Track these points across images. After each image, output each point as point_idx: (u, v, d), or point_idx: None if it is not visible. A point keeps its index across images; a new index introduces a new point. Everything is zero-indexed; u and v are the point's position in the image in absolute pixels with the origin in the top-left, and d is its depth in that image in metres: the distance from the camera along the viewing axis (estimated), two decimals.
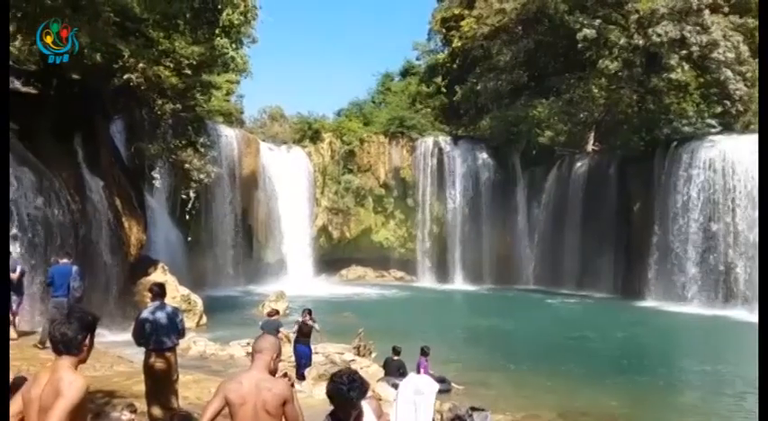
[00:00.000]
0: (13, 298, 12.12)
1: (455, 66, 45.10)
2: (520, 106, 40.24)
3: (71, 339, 3.23)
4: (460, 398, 14.18)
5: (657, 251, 33.48)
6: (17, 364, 10.78)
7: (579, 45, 36.53)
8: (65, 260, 12.74)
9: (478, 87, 41.61)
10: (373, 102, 49.26)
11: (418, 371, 14.97)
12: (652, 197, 34.20)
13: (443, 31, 46.32)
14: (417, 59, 50.96)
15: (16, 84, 19.96)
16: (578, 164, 39.40)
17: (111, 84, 19.98)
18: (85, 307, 13.37)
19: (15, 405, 3.22)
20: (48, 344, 10.32)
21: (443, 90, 45.93)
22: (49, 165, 17.76)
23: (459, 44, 43.78)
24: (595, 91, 37.94)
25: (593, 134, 41.86)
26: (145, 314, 8.23)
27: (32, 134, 17.58)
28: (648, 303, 32.24)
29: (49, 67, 19.39)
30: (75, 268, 12.44)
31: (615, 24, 36.29)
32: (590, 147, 41.54)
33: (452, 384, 15.30)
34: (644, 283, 33.82)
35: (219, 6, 22.62)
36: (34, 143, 17.71)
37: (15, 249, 15.23)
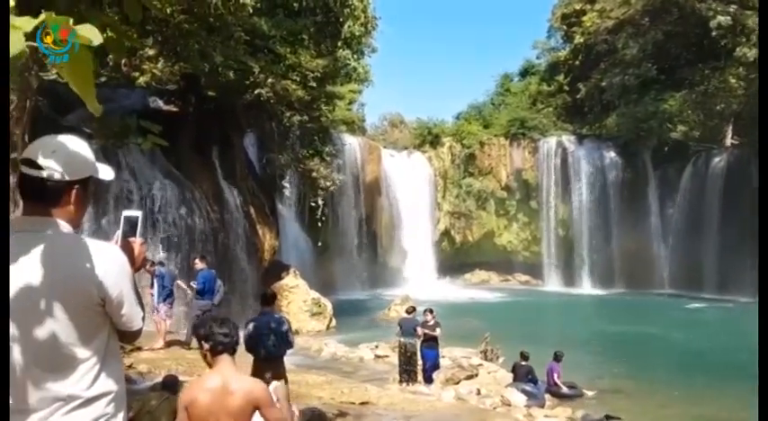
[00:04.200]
0: (164, 305, 12.95)
1: (577, 62, 43.79)
2: (649, 101, 38.41)
3: (231, 339, 3.45)
4: (593, 405, 13.78)
5: None
6: (167, 364, 11.67)
7: (713, 33, 34.51)
8: (201, 264, 13.34)
9: (603, 83, 40.18)
10: (492, 103, 48.77)
11: (549, 377, 14.75)
12: None
13: (564, 27, 45.12)
14: (537, 58, 49.98)
15: (159, 102, 21.62)
16: (716, 159, 36.96)
17: (243, 99, 21.11)
18: (223, 310, 14.24)
19: (183, 416, 3.41)
20: (193, 344, 11.08)
21: (566, 88, 44.71)
22: (190, 177, 19.10)
23: (582, 40, 42.48)
24: (733, 81, 35.59)
25: (731, 127, 39.13)
26: (253, 321, 8.13)
27: (175, 149, 18.95)
28: None
29: (189, 87, 20.91)
30: (213, 272, 13.22)
31: (752, 9, 33.84)
32: (728, 142, 38.84)
33: (583, 390, 14.89)
34: None
35: (341, 20, 23.40)
36: (177, 158, 19.12)
37: (160, 255, 16.49)
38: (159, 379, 8.75)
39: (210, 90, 21.69)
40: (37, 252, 2.02)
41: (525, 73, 50.33)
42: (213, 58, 18.62)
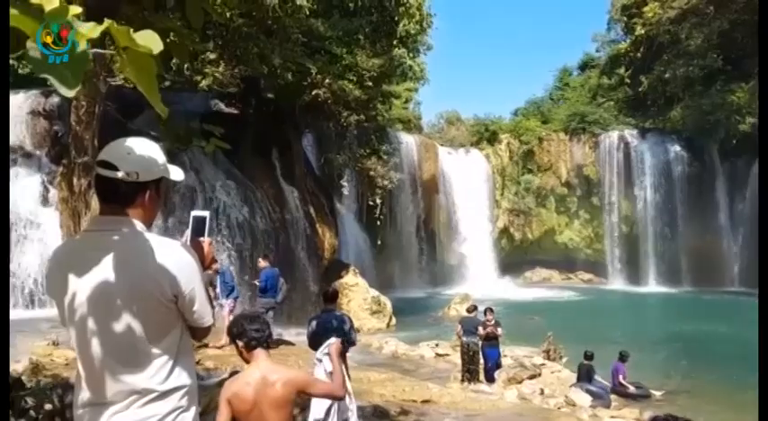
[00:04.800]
0: (228, 301, 13.24)
1: (639, 54, 42.60)
2: (715, 93, 37.06)
3: (263, 334, 3.55)
4: (661, 406, 13.40)
5: None
6: (233, 360, 11.93)
7: None
8: (265, 263, 13.58)
9: (667, 75, 38.98)
10: (551, 98, 47.99)
11: (615, 377, 14.42)
12: None
13: (624, 19, 43.97)
14: (597, 51, 48.86)
15: (220, 105, 22.14)
16: None
17: (301, 100, 21.41)
18: (286, 308, 14.48)
19: (226, 416, 3.47)
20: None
21: (627, 81, 43.57)
22: (251, 178, 19.51)
23: (643, 31, 41.29)
24: None
25: None
26: (316, 319, 8.12)
27: (236, 151, 19.37)
28: None
29: (249, 89, 21.32)
30: (276, 270, 13.44)
31: None
32: None
33: (651, 391, 14.50)
34: None
35: (396, 18, 23.43)
36: (238, 159, 19.55)
37: (224, 254, 16.87)
38: (225, 374, 8.95)
39: (270, 92, 22.07)
40: (113, 250, 2.09)
41: (585, 67, 49.31)
42: (272, 61, 18.94)
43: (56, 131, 20.08)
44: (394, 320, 23.54)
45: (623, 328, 24.68)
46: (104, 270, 2.09)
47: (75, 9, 1.55)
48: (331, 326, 7.89)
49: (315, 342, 7.90)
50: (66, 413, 6.58)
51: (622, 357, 14.56)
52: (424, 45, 32.48)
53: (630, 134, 40.77)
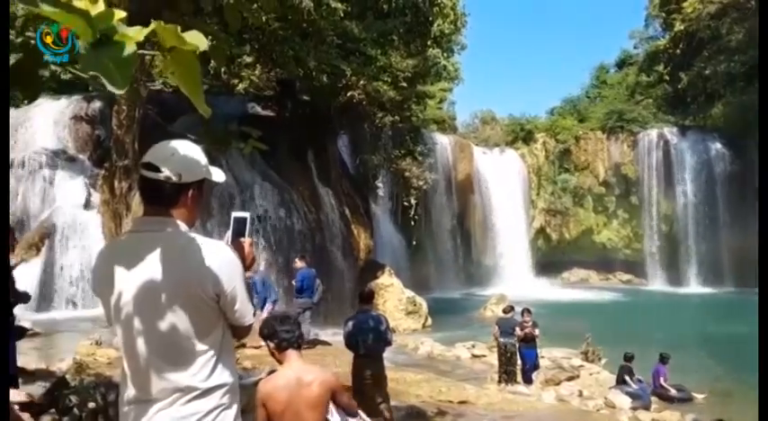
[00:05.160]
0: (267, 303, 13.36)
1: (678, 51, 41.76)
2: (757, 89, 36.10)
3: (294, 335, 3.59)
4: (703, 409, 13.13)
5: None
6: (270, 360, 12.06)
7: None
8: (301, 263, 13.66)
9: (707, 72, 38.13)
10: (588, 97, 47.37)
11: (655, 379, 14.17)
12: None
13: (663, 14, 43.16)
14: (635, 48, 48.05)
15: (257, 108, 22.39)
16: None
17: (336, 102, 21.53)
18: (322, 308, 14.54)
19: (262, 417, 3.52)
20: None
21: (666, 78, 42.75)
22: (287, 179, 19.69)
23: (682, 27, 40.46)
24: None
25: None
26: (352, 319, 8.13)
27: (272, 153, 19.55)
28: None
29: (284, 92, 21.52)
30: (313, 271, 13.51)
31: None
32: None
33: (692, 394, 14.21)
34: None
35: (430, 18, 23.43)
36: (275, 161, 19.75)
37: (262, 255, 17.05)
38: (263, 374, 9.04)
39: (305, 94, 22.25)
40: (158, 250, 2.13)
41: (622, 64, 48.54)
42: (307, 63, 19.09)
43: (98, 135, 20.55)
44: (429, 321, 23.47)
45: (663, 330, 24.20)
46: (149, 269, 2.13)
47: (120, 13, 1.58)
48: (367, 327, 7.91)
49: (351, 342, 7.97)
50: (108, 411, 6.71)
51: (663, 359, 14.31)
52: (458, 45, 32.46)
53: (670, 132, 40.00)
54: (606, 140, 41.08)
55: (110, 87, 1.43)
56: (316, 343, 13.25)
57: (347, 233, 21.87)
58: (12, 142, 20.38)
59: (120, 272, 2.18)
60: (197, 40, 1.54)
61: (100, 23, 1.49)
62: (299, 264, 13.38)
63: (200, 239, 2.22)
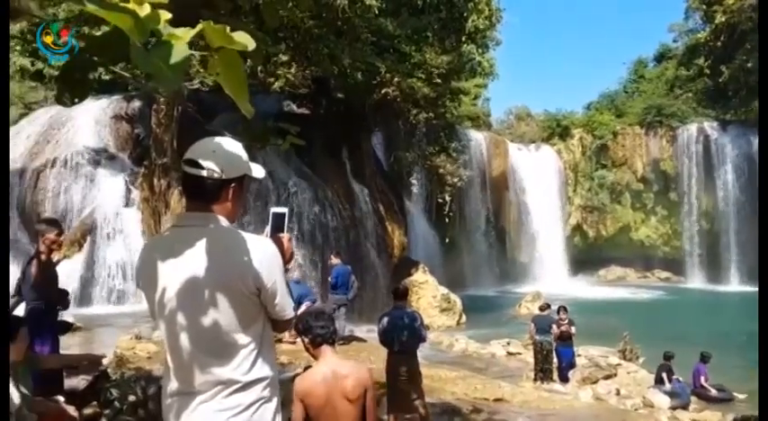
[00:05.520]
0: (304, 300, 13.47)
1: (719, 44, 40.78)
2: None
3: (328, 330, 3.62)
4: (744, 409, 12.84)
5: None
6: (305, 355, 12.16)
7: None
8: (337, 260, 13.75)
9: (749, 65, 37.18)
10: (626, 91, 46.57)
11: (696, 378, 13.91)
12: None
13: (704, 7, 42.17)
14: (674, 41, 47.06)
15: (292, 106, 22.55)
16: None
17: (370, 99, 21.55)
18: (356, 305, 14.60)
19: (300, 413, 3.53)
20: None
21: (706, 72, 41.79)
22: (322, 176, 19.83)
23: (723, 19, 39.50)
24: None
25: None
26: (387, 316, 8.11)
27: (307, 150, 19.71)
28: None
29: (319, 90, 21.63)
30: (349, 268, 13.58)
31: None
32: None
33: (733, 394, 13.92)
34: None
35: (465, 14, 23.26)
36: (309, 158, 19.90)
37: (298, 251, 17.18)
38: (299, 370, 9.12)
39: (339, 92, 22.32)
40: (201, 245, 2.17)
41: (661, 58, 47.58)
42: (342, 61, 19.14)
43: (137, 134, 20.95)
44: (464, 318, 23.40)
45: (703, 328, 23.72)
46: (193, 264, 2.17)
47: (166, 14, 1.62)
48: (402, 323, 7.91)
49: (385, 338, 7.98)
50: (148, 404, 6.84)
51: (704, 358, 14.05)
52: (493, 40, 32.11)
53: (710, 126, 39.14)
54: (644, 136, 40.40)
55: (162, 87, 1.46)
56: (350, 339, 13.32)
57: (381, 230, 21.92)
58: (54, 141, 20.91)
59: (163, 266, 2.22)
60: (245, 40, 1.56)
61: (149, 24, 1.53)
62: (334, 260, 13.46)
63: (242, 234, 2.26)
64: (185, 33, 1.57)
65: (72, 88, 1.86)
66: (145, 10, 1.58)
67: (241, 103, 1.70)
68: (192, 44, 1.69)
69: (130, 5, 1.54)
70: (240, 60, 1.66)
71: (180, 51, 1.53)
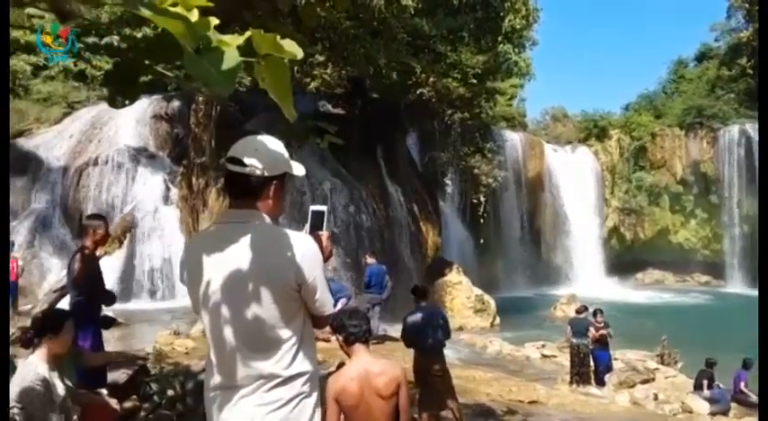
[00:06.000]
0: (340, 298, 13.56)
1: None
2: None
3: (362, 329, 3.68)
4: None
5: None
6: (340, 353, 12.24)
7: None
8: (372, 260, 13.83)
9: None
10: (665, 92, 45.72)
11: (736, 384, 13.62)
12: None
13: (746, 5, 41.18)
14: (716, 41, 46.00)
15: (327, 106, 22.69)
16: None
17: (405, 99, 21.57)
18: (390, 305, 14.63)
19: (335, 411, 3.55)
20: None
21: (749, 72, 40.75)
22: (357, 176, 19.92)
23: None
24: None
25: None
26: (412, 315, 8.03)
27: (342, 150, 19.81)
28: None
29: (354, 90, 21.73)
30: (384, 268, 13.64)
31: None
32: None
33: None
34: None
35: (501, 14, 23.11)
36: (344, 158, 20.01)
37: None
38: (333, 368, 9.20)
39: (375, 92, 22.40)
40: (245, 241, 2.22)
41: (702, 58, 46.57)
42: (377, 61, 19.20)
43: (176, 134, 21.34)
44: (498, 319, 23.24)
45: (742, 334, 23.09)
46: (236, 259, 2.21)
47: (215, 20, 1.67)
48: (435, 321, 7.90)
49: (412, 338, 7.85)
50: (186, 399, 6.96)
51: (746, 365, 13.74)
52: (530, 40, 31.84)
53: (753, 128, 38.18)
54: (684, 137, 39.63)
55: (214, 92, 1.50)
56: (384, 339, 13.36)
57: (415, 230, 21.93)
58: (96, 140, 21.41)
59: (208, 261, 2.26)
60: (293, 49, 1.60)
61: (200, 30, 1.58)
62: (369, 260, 13.56)
63: (284, 231, 2.31)
64: (234, 40, 1.61)
65: (123, 90, 1.93)
66: (194, 15, 1.63)
67: (285, 108, 1.74)
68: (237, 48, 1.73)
69: (179, 10, 1.59)
70: (286, 67, 1.70)
71: (231, 58, 1.57)
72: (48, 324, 3.82)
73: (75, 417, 3.76)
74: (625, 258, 40.06)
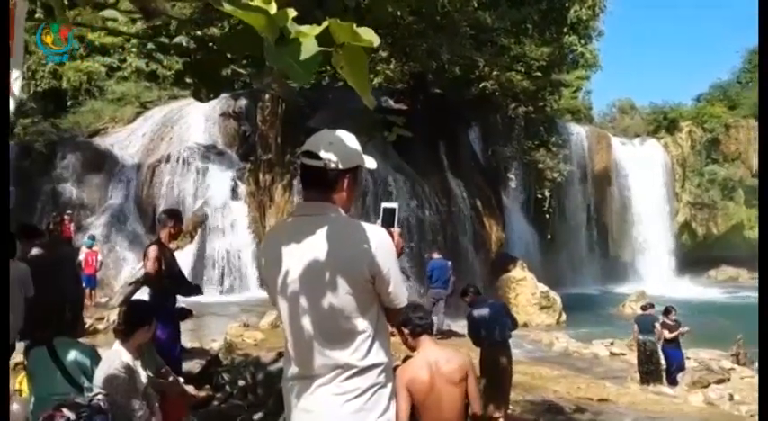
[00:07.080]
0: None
1: None
2: None
3: (426, 321, 3.76)
4: None
5: None
6: (403, 348, 12.29)
7: None
8: (437, 255, 13.90)
9: None
10: (739, 82, 43.84)
11: None
12: None
13: None
14: None
15: (390, 101, 22.74)
16: None
17: (468, 93, 21.41)
18: (453, 300, 14.60)
19: (406, 400, 3.47)
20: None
21: None
22: (419, 171, 19.90)
23: None
24: None
25: None
26: (476, 309, 8.11)
27: (405, 145, 19.82)
28: None
29: (417, 85, 21.72)
30: (448, 263, 13.62)
31: None
32: None
33: None
34: None
35: (567, 5, 22.67)
36: (407, 153, 20.01)
37: None
38: (398, 362, 9.24)
39: (437, 87, 22.32)
40: (322, 233, 2.25)
41: None
42: (440, 56, 19.14)
43: (243, 131, 21.84)
44: (564, 316, 22.81)
45: None
46: (313, 251, 2.25)
47: (293, 12, 1.70)
48: (501, 314, 8.07)
49: (478, 332, 7.93)
50: (257, 389, 7.13)
51: None
52: (596, 31, 31.13)
53: None
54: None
55: (294, 81, 1.54)
56: (450, 334, 13.34)
57: (478, 226, 21.75)
58: (168, 138, 22.14)
59: (286, 253, 2.30)
60: (370, 35, 1.62)
61: (279, 22, 1.61)
62: (435, 255, 13.64)
63: (359, 223, 2.33)
64: (311, 30, 1.64)
65: (207, 84, 1.99)
66: (273, 8, 1.66)
67: (364, 96, 1.77)
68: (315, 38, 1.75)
69: (258, 3, 1.62)
70: (364, 55, 1.72)
71: (309, 48, 1.60)
72: (138, 316, 4.00)
73: (156, 404, 3.91)
74: (696, 254, 38.67)
